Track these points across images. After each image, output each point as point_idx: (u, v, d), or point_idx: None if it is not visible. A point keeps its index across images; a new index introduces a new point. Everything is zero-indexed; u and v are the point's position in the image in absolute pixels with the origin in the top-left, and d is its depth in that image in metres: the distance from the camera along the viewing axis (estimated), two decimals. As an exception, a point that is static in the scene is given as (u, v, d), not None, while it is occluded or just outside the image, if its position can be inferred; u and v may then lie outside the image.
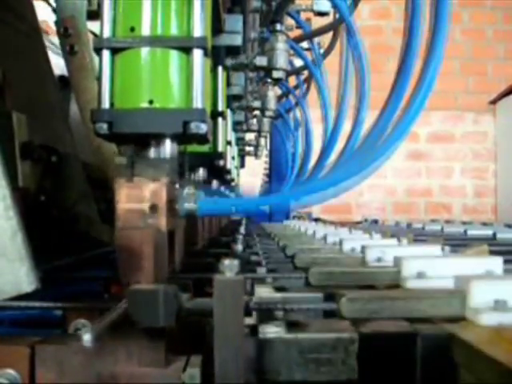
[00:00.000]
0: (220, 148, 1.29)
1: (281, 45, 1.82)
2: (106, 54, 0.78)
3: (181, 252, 0.91)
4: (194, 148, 1.14)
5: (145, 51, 0.78)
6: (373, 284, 0.96)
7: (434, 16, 0.96)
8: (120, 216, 0.73)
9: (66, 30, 1.88)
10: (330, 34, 2.52)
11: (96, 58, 0.83)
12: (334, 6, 2.00)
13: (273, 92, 2.33)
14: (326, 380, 0.67)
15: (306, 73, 3.06)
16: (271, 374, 0.67)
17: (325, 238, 1.59)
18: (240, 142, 2.43)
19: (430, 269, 0.92)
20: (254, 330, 0.70)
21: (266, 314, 0.73)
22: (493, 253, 1.07)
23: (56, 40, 1.94)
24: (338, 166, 1.04)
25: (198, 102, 0.78)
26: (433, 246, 1.16)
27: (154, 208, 0.73)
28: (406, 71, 1.08)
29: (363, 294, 0.73)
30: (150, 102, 0.77)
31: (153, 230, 0.72)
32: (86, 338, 0.53)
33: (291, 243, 1.44)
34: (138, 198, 0.73)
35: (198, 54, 0.78)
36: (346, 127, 1.84)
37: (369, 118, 1.36)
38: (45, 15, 2.14)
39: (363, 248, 1.16)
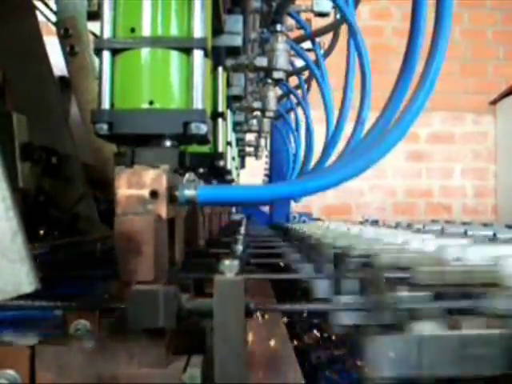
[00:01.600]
0: (220, 148, 1.29)
1: (281, 45, 1.82)
2: (106, 54, 0.78)
3: (181, 242, 0.90)
4: (194, 148, 1.14)
5: (145, 52, 0.78)
6: (472, 283, 0.94)
7: (436, 17, 0.96)
8: (120, 202, 0.73)
9: (66, 30, 1.88)
10: (331, 34, 2.53)
11: (96, 59, 0.83)
12: (336, 7, 2.00)
13: (273, 92, 2.33)
14: (478, 376, 0.68)
15: (306, 73, 3.06)
16: (426, 370, 0.68)
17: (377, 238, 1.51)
18: (240, 142, 2.43)
19: None
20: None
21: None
22: (493, 253, 1.06)
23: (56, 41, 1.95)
24: (338, 166, 1.03)
25: (198, 103, 0.78)
26: (503, 246, 1.14)
27: (154, 194, 0.73)
28: (409, 72, 1.08)
29: (504, 291, 0.74)
30: (151, 102, 0.77)
31: (153, 215, 0.72)
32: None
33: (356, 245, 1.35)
34: (139, 184, 0.73)
35: (198, 54, 0.78)
36: (348, 128, 1.84)
37: (369, 119, 1.36)
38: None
39: (440, 248, 1.13)
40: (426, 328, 0.69)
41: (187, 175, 0.82)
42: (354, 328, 0.83)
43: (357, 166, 0.91)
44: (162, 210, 0.74)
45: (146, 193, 0.73)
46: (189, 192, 0.79)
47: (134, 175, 0.73)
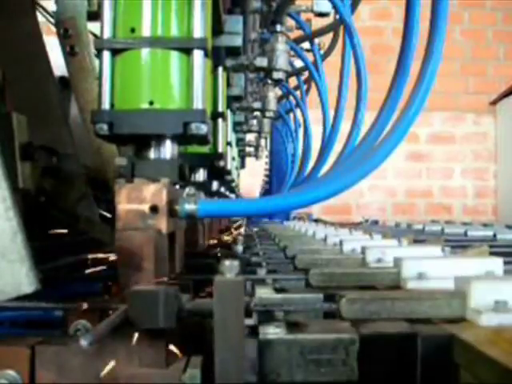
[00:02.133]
0: (220, 149, 1.29)
1: (281, 46, 1.82)
2: (106, 54, 0.78)
3: (181, 253, 0.90)
4: (194, 149, 1.14)
5: (145, 52, 0.77)
6: (373, 285, 0.96)
7: (432, 17, 0.96)
8: (120, 217, 0.73)
9: (66, 30, 1.88)
10: (331, 34, 2.53)
11: (96, 59, 0.83)
12: (334, 7, 2.00)
13: (273, 93, 2.33)
14: (327, 381, 0.67)
15: (306, 73, 3.06)
16: (272, 374, 0.67)
17: (325, 238, 1.59)
18: (240, 142, 2.43)
19: (430, 270, 0.92)
20: (254, 330, 0.70)
21: (266, 314, 0.72)
22: (493, 254, 1.07)
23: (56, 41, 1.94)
24: (337, 175, 1.03)
25: (198, 103, 0.78)
26: (433, 247, 1.16)
27: (154, 209, 0.73)
28: (404, 72, 1.08)
29: (363, 294, 0.73)
30: (151, 102, 0.77)
31: (153, 230, 0.72)
32: (85, 341, 0.53)
33: (291, 244, 1.44)
34: (139, 198, 0.73)
35: (198, 54, 0.78)
36: (346, 128, 1.84)
37: (369, 119, 1.36)
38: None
39: (363, 249, 1.16)
40: (273, 331, 0.69)
41: (187, 189, 0.82)
42: None
43: (354, 175, 0.92)
44: (163, 224, 0.74)
45: (146, 208, 0.73)
46: (189, 206, 0.79)
47: (134, 190, 0.73)
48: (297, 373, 0.67)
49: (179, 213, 0.78)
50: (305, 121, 3.11)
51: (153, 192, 0.73)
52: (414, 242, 1.48)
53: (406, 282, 0.92)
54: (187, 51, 0.79)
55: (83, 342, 0.53)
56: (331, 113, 2.49)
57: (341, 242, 1.36)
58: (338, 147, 1.91)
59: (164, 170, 0.78)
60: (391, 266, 1.00)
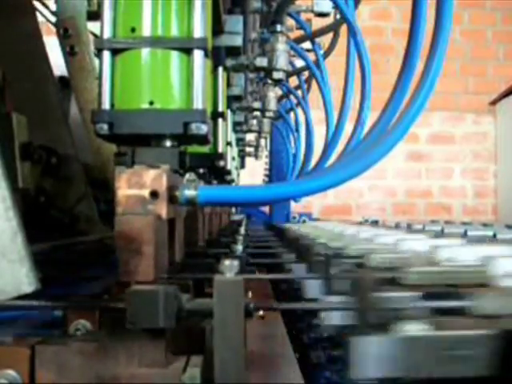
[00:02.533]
0: (220, 149, 1.29)
1: (281, 45, 1.82)
2: (106, 54, 0.78)
3: (181, 243, 0.90)
4: (194, 148, 1.14)
5: (145, 52, 0.78)
6: (461, 283, 0.94)
7: (436, 17, 0.96)
8: (120, 202, 0.73)
9: (65, 30, 1.89)
10: (331, 34, 2.52)
11: (96, 59, 0.83)
12: (336, 7, 2.00)
13: (273, 93, 2.33)
14: (467, 376, 0.68)
15: (306, 73, 3.06)
16: (412, 370, 0.68)
17: (371, 238, 1.53)
18: (240, 142, 2.43)
19: None
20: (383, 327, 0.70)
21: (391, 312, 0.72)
22: (493, 253, 1.07)
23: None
24: (339, 166, 1.03)
25: (198, 103, 0.78)
26: (498, 247, 1.15)
27: (154, 194, 0.73)
28: (409, 72, 1.08)
29: (492, 291, 0.74)
30: (151, 102, 0.77)
31: (153, 215, 0.72)
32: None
33: (347, 245, 1.36)
34: (139, 184, 0.73)
35: (198, 54, 0.78)
36: (348, 128, 1.84)
37: (369, 119, 1.36)
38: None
39: (432, 248, 1.13)
40: (412, 328, 0.69)
41: (187, 175, 0.82)
42: (343, 328, 0.83)
43: (358, 166, 0.91)
44: (162, 210, 0.74)
45: (146, 193, 0.73)
46: (189, 192, 0.79)
47: (134, 175, 0.73)
48: (437, 368, 0.68)
49: (179, 199, 0.77)
50: (307, 120, 3.11)
51: (153, 177, 0.73)
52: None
53: (497, 279, 0.91)
54: (187, 51, 0.79)
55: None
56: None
57: (396, 242, 1.32)
58: (340, 148, 1.91)
59: (164, 158, 0.78)
60: (479, 264, 0.99)
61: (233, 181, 1.93)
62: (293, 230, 2.18)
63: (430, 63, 0.95)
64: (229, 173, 1.53)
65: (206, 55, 0.79)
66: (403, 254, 1.16)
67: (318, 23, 2.52)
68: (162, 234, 0.74)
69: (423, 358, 0.68)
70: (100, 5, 0.79)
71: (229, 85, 1.44)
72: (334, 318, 0.84)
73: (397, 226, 2.86)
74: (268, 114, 2.35)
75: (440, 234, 1.82)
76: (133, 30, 0.78)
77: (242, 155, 3.13)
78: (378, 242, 1.45)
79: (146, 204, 0.73)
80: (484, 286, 0.91)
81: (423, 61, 0.99)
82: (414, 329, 0.69)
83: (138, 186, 0.73)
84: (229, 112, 1.49)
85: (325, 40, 2.65)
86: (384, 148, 0.92)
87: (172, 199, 0.76)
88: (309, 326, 1.23)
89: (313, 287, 1.08)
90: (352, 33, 1.76)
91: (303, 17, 2.52)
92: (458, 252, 1.09)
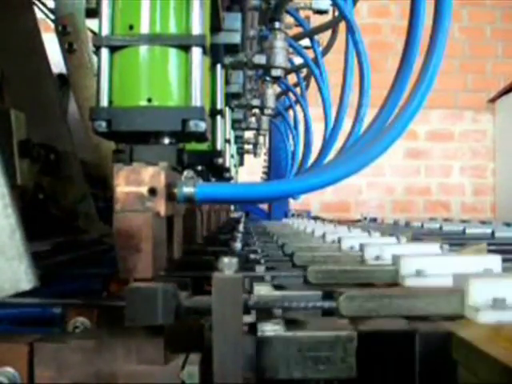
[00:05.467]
0: (219, 146, 1.29)
1: (280, 43, 1.81)
2: (104, 51, 0.78)
3: (180, 240, 0.90)
4: (192, 146, 1.14)
5: (143, 49, 0.77)
6: (371, 282, 0.96)
7: (435, 13, 0.96)
8: (118, 199, 0.73)
9: (64, 27, 1.88)
10: (329, 32, 2.52)
11: (95, 56, 0.83)
12: (334, 4, 1.99)
13: (272, 90, 2.33)
14: (325, 378, 0.67)
15: (305, 70, 3.06)
16: (270, 371, 0.67)
17: (323, 236, 1.59)
18: (239, 140, 2.43)
19: (428, 267, 0.92)
20: (252, 328, 0.70)
21: (265, 312, 0.72)
22: (491, 251, 1.07)
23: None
24: (337, 163, 1.03)
25: (196, 100, 0.78)
26: (431, 245, 1.16)
27: (152, 191, 0.73)
28: (407, 69, 1.08)
29: (362, 292, 0.74)
30: (149, 100, 0.77)
31: (151, 212, 0.72)
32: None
33: (290, 241, 1.44)
34: (137, 181, 0.73)
35: (196, 52, 0.78)
36: (346, 125, 1.84)
37: (368, 116, 1.36)
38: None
39: (362, 246, 1.16)
40: (271, 328, 0.69)
41: (186, 172, 0.82)
42: None
43: (356, 163, 0.91)
44: (161, 207, 0.74)
45: (144, 190, 0.73)
46: (187, 189, 0.79)
47: (132, 172, 0.73)
48: (295, 370, 0.67)
49: (177, 196, 0.77)
50: (305, 118, 3.10)
51: (151, 174, 0.73)
52: (412, 239, 1.48)
53: (404, 279, 0.92)
54: (186, 48, 0.79)
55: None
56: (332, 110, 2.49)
57: (339, 240, 1.36)
58: (338, 145, 1.91)
59: (163, 155, 0.78)
60: (389, 264, 1.00)
61: (231, 178, 1.93)
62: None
63: (429, 60, 0.94)
64: (227, 170, 1.52)
65: (204, 52, 0.79)
66: (329, 253, 1.20)
67: (316, 20, 2.52)
68: (160, 231, 0.74)
69: (281, 359, 0.67)
70: (98, 2, 0.79)
71: (227, 82, 1.43)
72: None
73: (395, 224, 2.86)
74: (267, 111, 2.35)
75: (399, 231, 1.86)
76: (131, 27, 0.78)
77: (241, 153, 3.13)
78: (326, 241, 1.51)
79: (145, 201, 0.73)
80: (393, 285, 0.92)
81: (422, 58, 0.99)
82: (271, 329, 0.69)
83: (137, 183, 0.73)
84: (227, 109, 1.49)
85: (323, 37, 2.65)
86: (382, 145, 0.92)
87: (170, 196, 0.76)
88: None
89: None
90: (350, 30, 1.76)
91: (302, 14, 2.52)
92: (384, 250, 1.11)
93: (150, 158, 0.76)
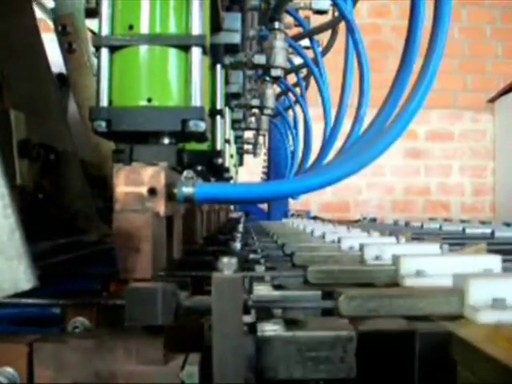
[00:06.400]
0: (218, 146, 1.29)
1: (279, 43, 1.81)
2: (104, 51, 0.78)
3: (179, 240, 0.90)
4: (192, 146, 1.14)
5: (143, 49, 0.77)
6: (371, 282, 0.96)
7: (435, 13, 0.96)
8: (118, 199, 0.73)
9: (64, 27, 1.88)
10: (329, 32, 2.52)
11: (94, 56, 0.83)
12: (334, 4, 1.99)
13: (271, 90, 2.33)
14: (325, 378, 0.67)
15: (304, 71, 3.06)
16: (270, 371, 0.67)
17: (323, 236, 1.59)
18: (238, 140, 2.43)
19: (428, 267, 0.92)
20: (252, 327, 0.70)
21: (265, 312, 0.72)
22: (491, 251, 1.07)
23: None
24: (337, 163, 1.03)
25: (196, 100, 0.78)
26: (431, 245, 1.16)
27: (152, 191, 0.73)
28: (407, 69, 1.08)
29: (362, 292, 0.74)
30: (149, 100, 0.77)
31: (151, 213, 0.72)
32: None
33: (290, 241, 1.44)
34: (137, 181, 0.73)
35: (196, 52, 0.78)
36: (346, 125, 1.84)
37: (368, 117, 1.36)
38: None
39: (361, 246, 1.16)
40: (270, 328, 0.69)
41: (185, 172, 0.82)
42: None
43: (356, 164, 0.91)
44: (161, 207, 0.74)
45: (144, 190, 0.73)
46: (187, 189, 0.79)
47: (132, 172, 0.73)
48: (295, 370, 0.67)
49: (177, 196, 0.77)
50: (305, 118, 3.11)
51: (151, 174, 0.73)
52: (412, 239, 1.48)
53: (403, 279, 0.92)
54: (185, 48, 0.79)
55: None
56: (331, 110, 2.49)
57: (339, 240, 1.36)
58: (338, 145, 1.91)
59: (162, 155, 0.78)
60: (389, 264, 1.00)
61: (231, 178, 1.93)
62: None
63: (429, 61, 0.95)
64: (227, 170, 1.52)
65: (204, 52, 0.79)
66: (329, 253, 1.20)
67: (316, 21, 2.52)
68: (160, 231, 0.74)
69: (280, 359, 0.67)
70: (98, 2, 0.79)
71: (227, 82, 1.43)
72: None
73: (395, 224, 2.86)
74: (266, 111, 2.35)
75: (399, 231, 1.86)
76: (131, 27, 0.78)
77: (241, 153, 3.13)
78: (326, 241, 1.50)
79: (144, 201, 0.73)
80: (392, 285, 0.92)
81: (422, 58, 0.99)
82: (271, 329, 0.69)
83: (136, 183, 0.73)
84: (227, 109, 1.49)
85: (323, 37, 2.65)
86: (382, 145, 0.92)
87: (170, 196, 0.76)
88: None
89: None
90: (350, 30, 1.76)
91: (302, 14, 2.52)
92: (384, 250, 1.11)
93: (150, 159, 0.76)
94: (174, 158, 0.80)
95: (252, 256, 1.30)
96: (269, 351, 0.67)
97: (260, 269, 1.11)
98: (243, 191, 0.86)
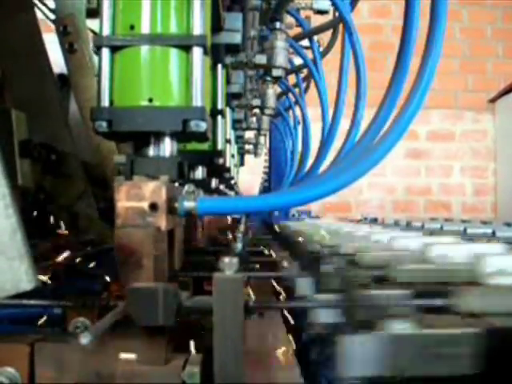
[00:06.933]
0: (219, 146, 1.29)
1: (280, 43, 1.81)
2: (105, 52, 0.78)
3: (180, 251, 0.90)
4: (193, 146, 1.14)
5: (144, 49, 0.77)
6: (451, 281, 0.94)
7: (432, 13, 0.96)
8: (120, 214, 0.73)
9: (65, 28, 1.88)
10: (330, 32, 2.52)
11: (95, 56, 0.83)
12: (334, 5, 1.99)
13: (272, 90, 2.33)
14: (452, 375, 0.68)
15: (305, 71, 3.06)
16: (399, 369, 0.67)
17: (369, 236, 1.52)
18: (239, 140, 2.43)
19: (509, 266, 0.92)
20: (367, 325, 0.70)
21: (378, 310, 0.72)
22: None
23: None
24: (333, 174, 1.03)
25: (197, 100, 0.78)
26: (492, 244, 1.14)
27: (153, 206, 0.73)
28: (403, 69, 1.08)
29: (479, 289, 0.74)
30: (150, 100, 0.77)
31: (152, 228, 0.72)
32: (84, 339, 0.53)
33: (342, 242, 1.36)
34: (138, 196, 0.73)
35: (197, 52, 0.78)
36: (345, 125, 1.84)
37: (367, 116, 1.36)
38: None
39: (425, 246, 1.13)
40: (400, 327, 0.69)
41: (186, 187, 0.82)
42: (333, 327, 0.83)
43: (353, 173, 0.92)
44: (162, 222, 0.74)
45: (145, 205, 0.73)
46: (188, 204, 0.79)
47: (133, 187, 0.73)
48: (422, 367, 0.68)
49: (178, 210, 0.78)
50: (304, 118, 3.11)
51: (152, 189, 0.73)
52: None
53: (487, 277, 0.91)
54: (186, 48, 0.79)
55: (83, 340, 0.53)
56: (330, 110, 2.49)
57: (392, 240, 1.31)
58: (337, 144, 1.91)
59: (163, 168, 0.78)
60: (468, 263, 0.99)
61: (232, 178, 1.93)
62: (290, 227, 2.20)
63: (426, 61, 0.94)
64: (228, 170, 1.53)
65: (205, 52, 0.79)
66: (395, 252, 1.16)
67: (317, 21, 2.52)
68: (161, 245, 0.74)
69: (409, 357, 0.67)
70: (99, 2, 0.79)
71: (228, 82, 1.43)
72: (323, 316, 0.84)
73: (396, 224, 2.85)
74: (267, 111, 2.35)
75: (436, 232, 1.83)
76: (132, 27, 0.78)
77: (242, 153, 3.12)
78: (373, 239, 1.45)
79: (146, 216, 0.73)
80: (474, 284, 0.91)
81: (421, 58, 0.99)
82: (400, 327, 0.69)
83: (138, 198, 0.73)
84: (228, 109, 1.49)
85: (324, 37, 2.65)
86: (383, 149, 0.93)
87: (171, 211, 0.76)
88: (300, 324, 1.24)
89: (304, 285, 1.08)
90: (348, 31, 1.76)
91: (302, 14, 2.52)
92: (450, 250, 1.09)
93: (151, 171, 0.76)
94: (175, 171, 0.80)
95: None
96: (399, 349, 0.67)
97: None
98: (243, 204, 0.87)
